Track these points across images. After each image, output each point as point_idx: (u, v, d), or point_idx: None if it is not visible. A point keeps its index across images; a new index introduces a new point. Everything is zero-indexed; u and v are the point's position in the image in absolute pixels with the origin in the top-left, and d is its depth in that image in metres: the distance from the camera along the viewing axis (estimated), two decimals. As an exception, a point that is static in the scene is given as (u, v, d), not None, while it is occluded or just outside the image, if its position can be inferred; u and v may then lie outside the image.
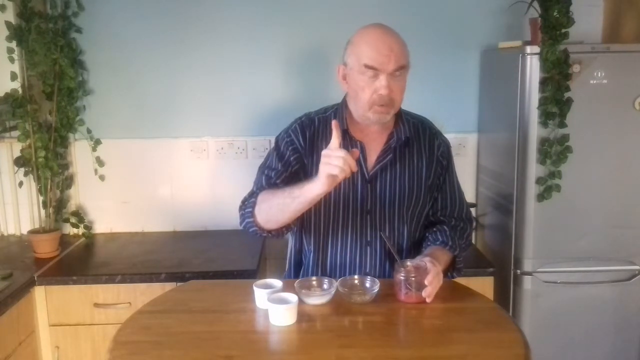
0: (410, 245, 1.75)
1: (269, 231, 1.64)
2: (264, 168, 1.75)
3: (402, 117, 1.73)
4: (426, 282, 1.50)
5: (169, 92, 2.69)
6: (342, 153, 1.41)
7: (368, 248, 1.71)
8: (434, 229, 1.76)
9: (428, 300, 1.50)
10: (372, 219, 1.69)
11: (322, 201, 1.62)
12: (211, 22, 2.64)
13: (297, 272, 1.80)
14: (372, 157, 1.70)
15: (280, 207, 1.56)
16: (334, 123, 1.49)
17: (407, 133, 1.71)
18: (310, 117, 1.76)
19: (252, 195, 1.69)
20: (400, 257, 1.61)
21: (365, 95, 1.58)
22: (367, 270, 1.70)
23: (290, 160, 1.71)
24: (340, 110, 1.73)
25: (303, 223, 1.73)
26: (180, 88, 2.69)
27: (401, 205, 1.71)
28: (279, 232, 1.66)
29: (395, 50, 1.56)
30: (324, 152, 1.45)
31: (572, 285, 2.35)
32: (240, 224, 1.70)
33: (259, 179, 1.73)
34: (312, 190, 1.49)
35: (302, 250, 1.79)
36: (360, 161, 1.67)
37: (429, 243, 1.72)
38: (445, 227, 1.75)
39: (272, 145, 2.69)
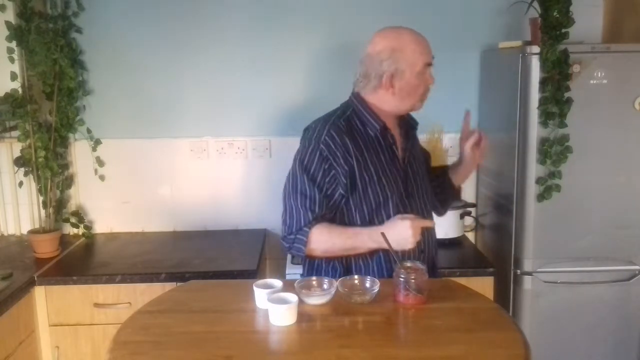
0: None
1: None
2: (299, 197, 1.69)
3: None
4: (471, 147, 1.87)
5: (168, 92, 2.69)
6: (419, 228, 1.62)
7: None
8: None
9: (480, 160, 1.88)
10: (413, 200, 1.79)
11: (378, 193, 1.72)
12: (211, 23, 2.64)
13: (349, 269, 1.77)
14: (399, 145, 1.81)
15: (342, 250, 1.71)
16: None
17: (412, 119, 1.90)
18: (335, 124, 1.71)
19: (300, 232, 1.68)
20: (399, 259, 1.60)
21: (420, 91, 1.76)
22: (421, 247, 1.74)
23: (325, 182, 1.68)
24: (360, 111, 1.75)
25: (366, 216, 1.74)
26: (180, 88, 2.69)
27: (426, 182, 1.88)
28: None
29: (429, 44, 1.79)
30: (401, 221, 1.61)
31: (572, 285, 2.35)
32: (289, 249, 1.74)
33: (303, 213, 1.68)
34: (373, 245, 1.67)
35: None
36: (395, 151, 1.78)
37: (440, 180, 1.97)
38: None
39: (271, 147, 2.72)
